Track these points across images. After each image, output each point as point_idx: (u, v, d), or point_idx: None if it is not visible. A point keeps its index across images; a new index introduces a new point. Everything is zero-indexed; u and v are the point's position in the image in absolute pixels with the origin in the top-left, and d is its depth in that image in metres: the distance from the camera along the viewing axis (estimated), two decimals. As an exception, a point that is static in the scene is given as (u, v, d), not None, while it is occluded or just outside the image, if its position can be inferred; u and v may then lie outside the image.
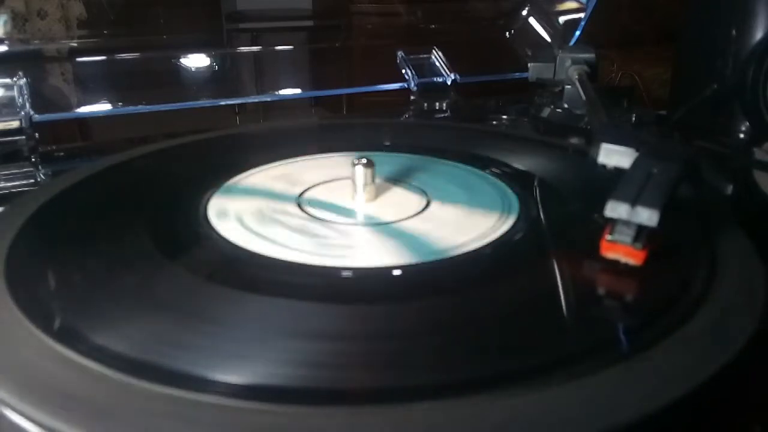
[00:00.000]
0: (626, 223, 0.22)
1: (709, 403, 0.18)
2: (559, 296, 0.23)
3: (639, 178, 0.23)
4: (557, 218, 0.30)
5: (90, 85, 0.55)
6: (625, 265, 0.23)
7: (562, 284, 0.24)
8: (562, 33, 0.64)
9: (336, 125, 0.52)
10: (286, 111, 1.69)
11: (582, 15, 0.62)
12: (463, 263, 0.25)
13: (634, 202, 0.22)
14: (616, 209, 0.22)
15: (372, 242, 0.26)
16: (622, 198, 0.22)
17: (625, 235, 0.23)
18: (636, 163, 0.24)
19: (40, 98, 0.47)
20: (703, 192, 0.27)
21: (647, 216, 0.22)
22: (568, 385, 0.17)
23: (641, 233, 0.22)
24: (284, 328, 0.20)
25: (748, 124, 0.48)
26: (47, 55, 0.65)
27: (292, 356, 0.19)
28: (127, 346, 0.19)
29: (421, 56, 0.61)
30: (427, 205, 0.30)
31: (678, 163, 0.24)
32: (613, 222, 0.23)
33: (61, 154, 0.48)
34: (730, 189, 0.38)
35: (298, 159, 0.37)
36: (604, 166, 0.26)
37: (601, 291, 0.23)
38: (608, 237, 0.23)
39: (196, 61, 0.58)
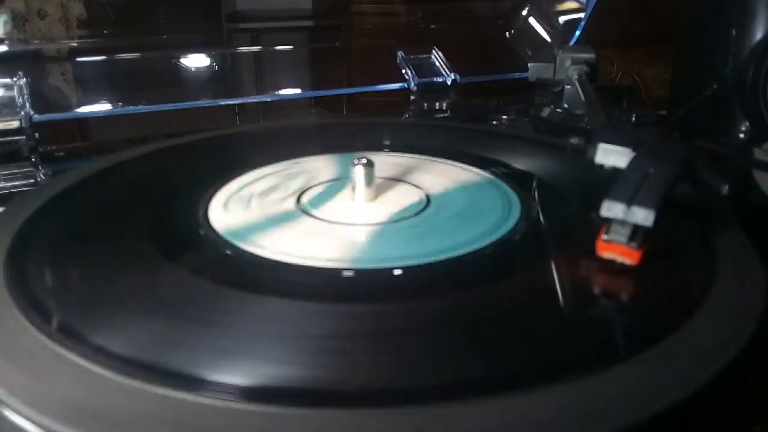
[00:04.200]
0: (622, 222, 0.22)
1: (708, 404, 0.18)
2: (554, 296, 0.23)
3: (635, 178, 0.23)
4: (555, 219, 0.30)
5: (90, 85, 0.55)
6: (621, 264, 0.23)
7: (557, 284, 0.24)
8: (562, 33, 0.64)
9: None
10: (286, 111, 1.69)
11: (582, 15, 0.62)
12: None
13: (629, 202, 0.22)
14: (611, 209, 0.22)
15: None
16: (618, 198, 0.22)
17: (621, 235, 0.23)
18: (632, 163, 0.24)
19: (40, 98, 0.47)
20: (702, 191, 0.27)
21: (643, 216, 0.22)
22: (565, 387, 0.17)
23: (637, 233, 0.22)
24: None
25: (748, 124, 0.48)
26: (47, 55, 0.65)
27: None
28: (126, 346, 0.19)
29: (421, 56, 0.61)
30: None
31: (674, 163, 0.24)
32: (608, 222, 0.23)
33: (61, 154, 0.48)
34: (729, 189, 0.37)
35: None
36: (601, 166, 0.26)
37: (596, 291, 0.23)
38: (604, 237, 0.23)
39: (196, 61, 0.58)
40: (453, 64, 0.61)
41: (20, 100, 0.46)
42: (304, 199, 0.31)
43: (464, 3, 0.78)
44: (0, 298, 0.21)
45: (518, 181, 0.33)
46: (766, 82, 0.46)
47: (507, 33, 0.68)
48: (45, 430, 0.16)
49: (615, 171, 0.25)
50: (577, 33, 0.61)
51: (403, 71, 0.60)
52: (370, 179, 0.30)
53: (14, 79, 0.46)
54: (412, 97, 0.59)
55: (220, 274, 0.24)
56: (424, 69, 0.61)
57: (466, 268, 0.25)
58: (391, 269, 0.24)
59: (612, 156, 0.26)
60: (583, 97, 0.43)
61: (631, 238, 0.23)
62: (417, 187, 0.32)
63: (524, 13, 0.67)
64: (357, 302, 0.22)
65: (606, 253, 0.23)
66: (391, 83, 0.60)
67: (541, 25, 0.67)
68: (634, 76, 1.51)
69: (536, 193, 0.33)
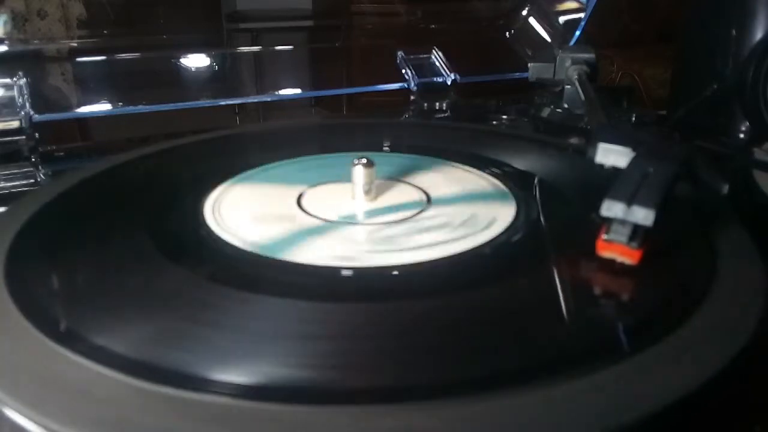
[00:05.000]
0: (622, 222, 0.22)
1: (708, 404, 0.18)
2: (554, 295, 0.23)
3: (635, 178, 0.23)
4: (555, 218, 0.30)
5: (90, 85, 0.55)
6: (621, 264, 0.23)
7: (557, 283, 0.24)
8: (562, 33, 0.64)
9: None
10: (286, 111, 1.69)
11: (582, 15, 0.62)
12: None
13: (629, 201, 0.22)
14: (611, 208, 0.22)
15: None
16: (618, 197, 0.22)
17: (621, 235, 0.23)
18: (632, 163, 0.24)
19: (40, 98, 0.47)
20: (702, 191, 0.27)
21: (643, 215, 0.22)
22: (564, 387, 0.17)
23: (637, 232, 0.22)
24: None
25: (748, 124, 0.48)
26: (47, 55, 0.65)
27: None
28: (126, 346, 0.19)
29: (421, 56, 0.61)
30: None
31: (674, 162, 0.24)
32: (609, 221, 0.23)
33: (61, 154, 0.48)
34: (729, 189, 0.37)
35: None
36: (601, 166, 0.26)
37: (596, 291, 0.23)
38: (604, 236, 0.23)
39: (196, 61, 0.58)
40: (453, 64, 0.61)
41: (20, 100, 0.46)
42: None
43: (464, 3, 0.78)
44: (0, 298, 0.21)
45: (518, 180, 0.33)
46: (766, 82, 0.46)
47: (507, 33, 0.68)
48: (45, 430, 0.16)
49: (615, 171, 0.25)
50: (577, 33, 0.61)
51: (403, 71, 0.60)
52: (370, 179, 0.30)
53: (14, 79, 0.46)
54: (412, 97, 0.59)
55: (219, 274, 0.24)
56: (424, 69, 0.61)
57: (465, 267, 0.25)
58: (390, 269, 0.24)
59: (612, 156, 0.26)
60: (583, 97, 0.43)
61: (631, 237, 0.23)
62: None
63: (524, 13, 0.67)
64: (355, 302, 0.22)
65: (606, 252, 0.23)
66: (391, 83, 0.60)
67: (541, 25, 0.67)
68: (634, 76, 1.51)
69: (536, 192, 0.33)
